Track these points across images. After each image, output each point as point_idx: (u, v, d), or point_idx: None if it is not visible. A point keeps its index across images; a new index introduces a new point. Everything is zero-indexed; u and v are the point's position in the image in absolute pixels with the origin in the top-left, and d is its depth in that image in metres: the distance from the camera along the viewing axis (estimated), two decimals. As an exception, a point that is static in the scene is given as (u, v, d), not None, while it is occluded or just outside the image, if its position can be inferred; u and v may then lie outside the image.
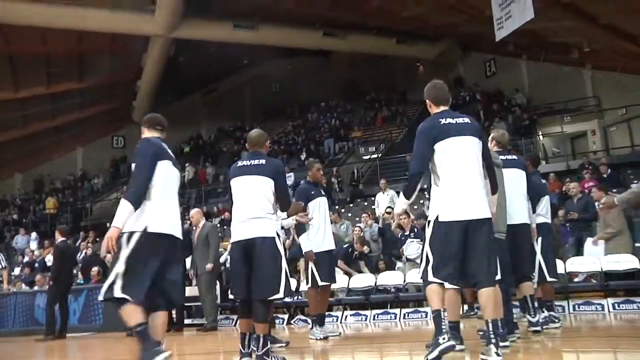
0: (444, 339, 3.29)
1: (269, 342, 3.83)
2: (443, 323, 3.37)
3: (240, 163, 4.06)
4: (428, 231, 3.53)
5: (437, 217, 3.45)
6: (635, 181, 10.93)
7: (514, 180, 4.68)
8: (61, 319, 8.64)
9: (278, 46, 21.54)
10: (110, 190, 23.75)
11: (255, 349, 3.72)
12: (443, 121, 3.49)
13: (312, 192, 5.50)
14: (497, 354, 3.24)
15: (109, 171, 25.28)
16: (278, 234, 3.87)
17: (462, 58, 22.87)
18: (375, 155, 18.89)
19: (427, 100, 3.66)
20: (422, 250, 3.62)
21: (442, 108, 3.61)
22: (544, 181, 5.90)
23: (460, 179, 3.42)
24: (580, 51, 16.50)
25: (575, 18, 14.11)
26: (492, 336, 3.31)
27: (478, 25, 17.10)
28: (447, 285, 3.48)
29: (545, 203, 5.52)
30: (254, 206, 3.85)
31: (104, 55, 20.81)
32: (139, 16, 17.93)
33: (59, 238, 9.00)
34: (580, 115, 17.04)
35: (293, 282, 7.82)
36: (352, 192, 16.63)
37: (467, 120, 3.56)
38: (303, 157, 19.46)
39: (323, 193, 5.66)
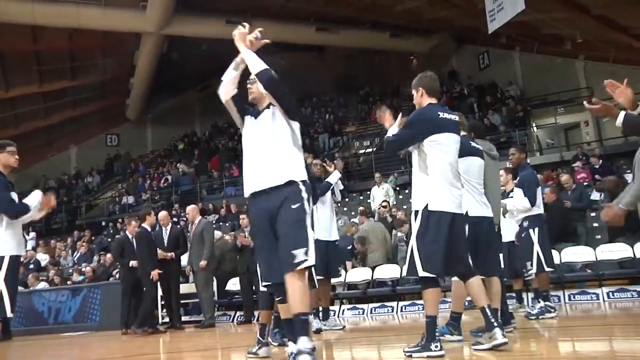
0: (436, 346, 3.26)
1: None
2: (437, 329, 3.35)
3: None
4: (415, 223, 3.41)
5: (426, 206, 3.38)
6: (628, 171, 10.98)
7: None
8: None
9: (271, 41, 21.41)
10: (105, 188, 23.68)
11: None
12: (441, 115, 3.51)
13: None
14: (504, 336, 3.33)
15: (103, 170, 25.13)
16: None
17: (456, 51, 22.85)
18: (370, 150, 18.87)
19: (420, 89, 3.59)
20: (408, 244, 3.51)
21: (434, 100, 3.61)
22: (534, 172, 5.93)
23: (451, 174, 3.45)
24: (572, 42, 16.53)
25: (566, 9, 14.13)
26: (492, 321, 3.36)
27: (471, 18, 17.08)
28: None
29: (537, 195, 5.56)
30: None
31: (96, 53, 20.67)
32: (130, 13, 17.78)
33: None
34: (574, 107, 17.07)
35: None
36: (347, 186, 16.61)
37: (456, 118, 3.61)
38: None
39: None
